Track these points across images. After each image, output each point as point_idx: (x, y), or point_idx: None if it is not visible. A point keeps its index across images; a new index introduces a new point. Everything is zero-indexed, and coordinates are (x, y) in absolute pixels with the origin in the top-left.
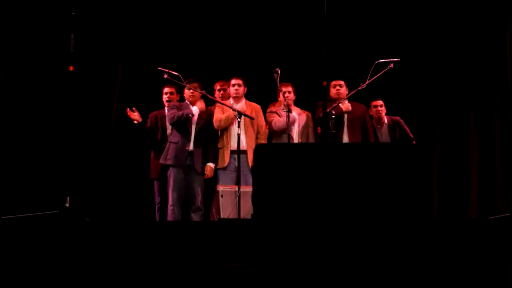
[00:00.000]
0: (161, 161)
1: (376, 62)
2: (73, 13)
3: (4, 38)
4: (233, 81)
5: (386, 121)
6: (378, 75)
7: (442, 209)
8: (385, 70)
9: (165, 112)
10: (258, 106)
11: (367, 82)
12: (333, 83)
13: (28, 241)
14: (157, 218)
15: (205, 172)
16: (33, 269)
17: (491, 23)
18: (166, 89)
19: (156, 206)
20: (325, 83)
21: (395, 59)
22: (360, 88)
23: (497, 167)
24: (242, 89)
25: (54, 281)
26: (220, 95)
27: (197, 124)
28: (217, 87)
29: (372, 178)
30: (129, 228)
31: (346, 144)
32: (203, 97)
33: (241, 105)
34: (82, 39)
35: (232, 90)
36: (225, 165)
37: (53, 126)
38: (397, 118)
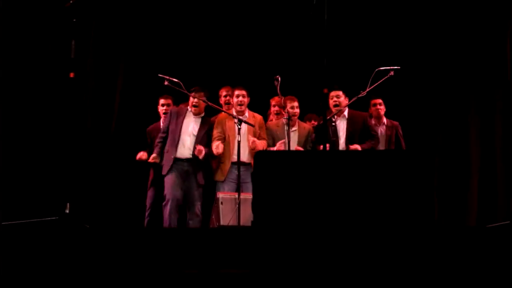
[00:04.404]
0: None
1: (377, 69)
2: (74, 20)
3: (5, 45)
4: (236, 92)
5: (385, 121)
6: (378, 82)
7: (441, 217)
8: (385, 77)
9: (160, 125)
10: (260, 117)
11: (367, 90)
12: (331, 94)
13: (28, 247)
14: (145, 225)
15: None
16: (33, 275)
17: (493, 27)
18: (162, 101)
19: (146, 213)
20: (325, 91)
21: (396, 67)
22: (360, 95)
23: (498, 175)
24: (246, 100)
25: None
26: (226, 101)
27: (198, 134)
28: (223, 93)
29: (371, 185)
30: (128, 234)
31: (344, 151)
32: (207, 107)
33: (244, 117)
34: (83, 45)
35: (236, 100)
36: (223, 179)
37: (53, 132)
38: (396, 123)
